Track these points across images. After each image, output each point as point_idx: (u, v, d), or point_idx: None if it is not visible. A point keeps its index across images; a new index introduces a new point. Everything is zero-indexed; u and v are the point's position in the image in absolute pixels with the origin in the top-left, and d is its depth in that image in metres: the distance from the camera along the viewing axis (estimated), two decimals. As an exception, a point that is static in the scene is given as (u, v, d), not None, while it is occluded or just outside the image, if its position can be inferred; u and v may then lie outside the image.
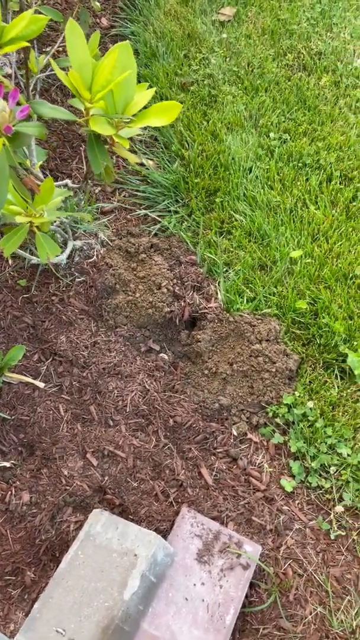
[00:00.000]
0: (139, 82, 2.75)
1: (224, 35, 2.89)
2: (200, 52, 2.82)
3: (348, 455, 1.71)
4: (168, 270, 2.01)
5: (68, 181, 1.30)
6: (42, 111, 0.94)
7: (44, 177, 1.22)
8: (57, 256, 1.86)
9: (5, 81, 0.92)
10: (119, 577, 1.35)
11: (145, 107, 0.97)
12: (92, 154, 0.96)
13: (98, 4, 2.28)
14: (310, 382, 1.85)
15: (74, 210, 1.63)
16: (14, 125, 0.91)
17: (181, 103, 2.59)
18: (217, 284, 2.03)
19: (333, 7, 3.06)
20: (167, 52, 2.80)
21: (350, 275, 2.03)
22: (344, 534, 1.63)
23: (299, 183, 2.29)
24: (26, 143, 0.97)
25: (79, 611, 1.32)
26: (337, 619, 1.48)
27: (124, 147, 0.94)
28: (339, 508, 1.64)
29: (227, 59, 2.79)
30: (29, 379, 1.75)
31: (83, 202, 1.40)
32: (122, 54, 0.89)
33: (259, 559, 1.52)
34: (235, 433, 1.77)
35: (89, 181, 1.25)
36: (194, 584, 1.41)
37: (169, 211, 2.26)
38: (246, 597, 1.48)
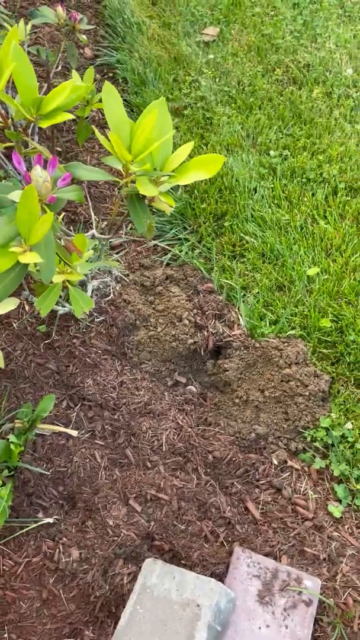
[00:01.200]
0: (131, 111, 2.74)
1: (211, 56, 2.89)
2: (189, 74, 2.81)
3: (392, 473, 1.69)
4: (187, 300, 1.99)
5: (94, 232, 1.28)
6: (79, 174, 0.92)
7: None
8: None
9: (42, 149, 0.90)
10: (184, 630, 1.31)
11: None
12: (135, 213, 0.94)
13: (85, 37, 2.27)
14: (344, 401, 1.82)
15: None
16: (54, 193, 0.88)
17: (176, 128, 2.58)
18: (237, 310, 2.01)
19: (315, 17, 3.07)
20: (156, 77, 2.79)
21: (370, 288, 2.02)
22: None
23: (305, 199, 2.29)
24: (62, 207, 0.95)
25: (147, 671, 1.28)
26: None
27: (164, 202, 0.92)
28: (391, 530, 1.61)
29: (217, 80, 2.79)
30: (62, 428, 1.71)
31: (104, 249, 1.38)
32: (158, 111, 0.87)
33: (319, 593, 1.48)
34: (275, 462, 1.74)
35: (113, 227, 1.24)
36: (259, 627, 1.37)
37: (179, 239, 2.24)
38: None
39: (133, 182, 0.94)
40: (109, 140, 0.84)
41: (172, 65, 2.86)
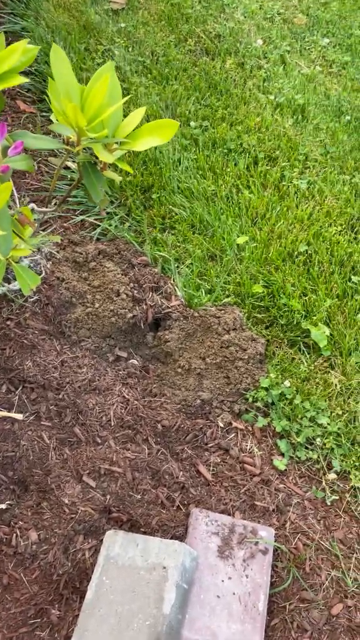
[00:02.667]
0: (43, 81, 2.63)
1: (122, 25, 2.83)
2: (101, 43, 2.74)
3: (328, 424, 1.81)
4: (122, 274, 1.98)
5: (33, 205, 1.23)
6: (28, 143, 0.88)
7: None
8: (8, 284, 1.78)
9: (-12, 116, 0.85)
10: (153, 593, 1.34)
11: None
12: (90, 182, 0.91)
13: (-11, 2, 2.14)
14: (279, 362, 1.92)
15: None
16: (5, 163, 0.84)
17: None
18: (173, 281, 2.03)
19: (221, -12, 3.09)
20: (66, 46, 2.69)
21: (295, 253, 2.12)
22: (337, 497, 1.73)
23: (228, 169, 2.33)
24: (9, 177, 0.91)
25: (120, 637, 1.30)
26: (351, 577, 1.59)
27: (112, 169, 0.90)
28: (332, 475, 1.74)
29: (130, 49, 2.75)
30: (5, 413, 1.66)
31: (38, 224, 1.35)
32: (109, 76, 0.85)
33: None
34: (221, 425, 1.80)
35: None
36: (222, 580, 1.44)
37: (107, 213, 2.21)
38: (268, 579, 1.54)
39: (84, 150, 0.91)
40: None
41: (82, 33, 2.76)
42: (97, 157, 0.93)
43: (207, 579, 1.44)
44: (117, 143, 0.93)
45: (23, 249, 1.10)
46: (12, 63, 0.77)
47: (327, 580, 1.58)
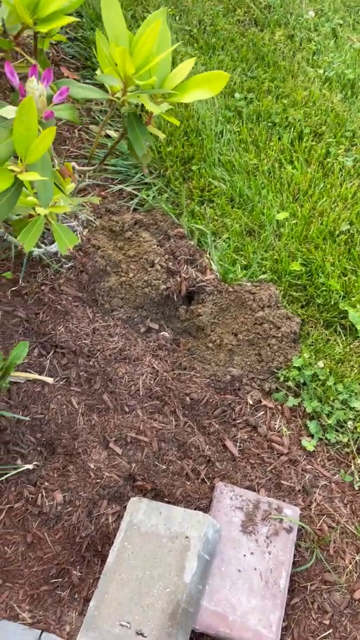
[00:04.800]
0: (88, 47, 2.60)
1: (170, -8, 2.76)
2: (148, 11, 2.69)
3: (360, 408, 1.77)
4: (158, 246, 1.95)
5: (74, 164, 1.21)
6: (73, 92, 0.85)
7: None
8: (45, 246, 1.77)
9: (34, 61, 0.83)
10: (175, 561, 1.34)
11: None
12: (134, 135, 0.88)
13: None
14: (313, 342, 1.87)
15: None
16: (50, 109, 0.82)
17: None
18: (208, 255, 2.00)
19: None
20: (113, 13, 2.64)
21: (337, 232, 2.05)
22: (366, 483, 1.69)
23: (272, 143, 2.27)
24: (52, 124, 0.89)
25: (139, 601, 1.30)
26: (376, 563, 1.55)
27: (154, 125, 0.87)
28: (362, 460, 1.70)
29: (177, 18, 2.68)
30: (37, 376, 1.67)
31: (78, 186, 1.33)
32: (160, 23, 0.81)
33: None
34: (250, 402, 1.78)
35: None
36: (244, 555, 1.43)
37: (145, 183, 2.18)
38: (290, 558, 1.52)
39: (130, 103, 0.89)
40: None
41: (129, 0, 2.71)
42: (142, 111, 0.90)
43: (229, 552, 1.43)
44: (163, 96, 0.89)
45: (63, 206, 1.08)
46: (60, 4, 0.74)
47: (350, 564, 1.55)
